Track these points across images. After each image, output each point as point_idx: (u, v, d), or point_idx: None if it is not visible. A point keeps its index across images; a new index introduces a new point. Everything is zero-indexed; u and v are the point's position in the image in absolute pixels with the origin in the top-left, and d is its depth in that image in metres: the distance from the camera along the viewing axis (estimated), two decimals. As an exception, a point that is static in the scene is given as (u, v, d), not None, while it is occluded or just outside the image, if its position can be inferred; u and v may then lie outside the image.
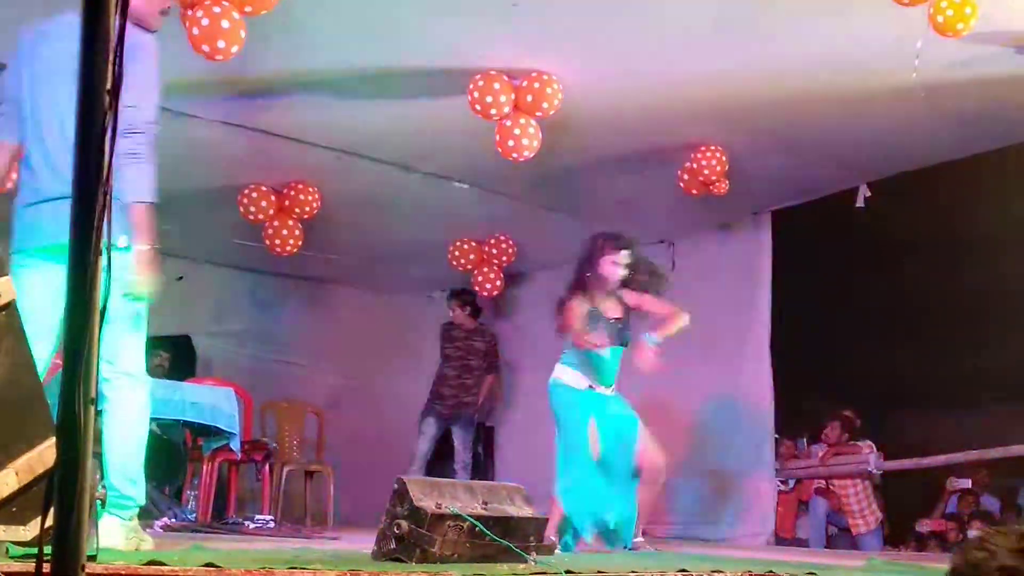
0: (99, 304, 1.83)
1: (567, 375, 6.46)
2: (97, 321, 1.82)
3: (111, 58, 1.82)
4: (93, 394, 1.81)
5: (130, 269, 3.97)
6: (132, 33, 3.93)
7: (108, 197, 1.82)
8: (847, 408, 9.32)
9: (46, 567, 1.86)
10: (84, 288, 1.82)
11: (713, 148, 7.29)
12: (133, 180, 4.00)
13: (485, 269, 9.57)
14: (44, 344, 3.80)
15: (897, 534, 9.17)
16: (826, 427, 9.46)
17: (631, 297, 6.53)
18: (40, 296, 3.79)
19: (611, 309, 6.49)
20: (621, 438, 6.39)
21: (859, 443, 9.25)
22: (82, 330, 1.80)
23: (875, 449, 9.10)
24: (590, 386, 6.43)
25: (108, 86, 1.82)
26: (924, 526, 9.00)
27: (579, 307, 6.44)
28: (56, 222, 3.73)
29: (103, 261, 1.85)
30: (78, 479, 1.79)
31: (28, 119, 4.16)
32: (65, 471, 1.80)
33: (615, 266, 6.47)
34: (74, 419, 1.79)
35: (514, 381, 10.25)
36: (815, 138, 7.28)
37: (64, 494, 1.80)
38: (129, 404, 4.15)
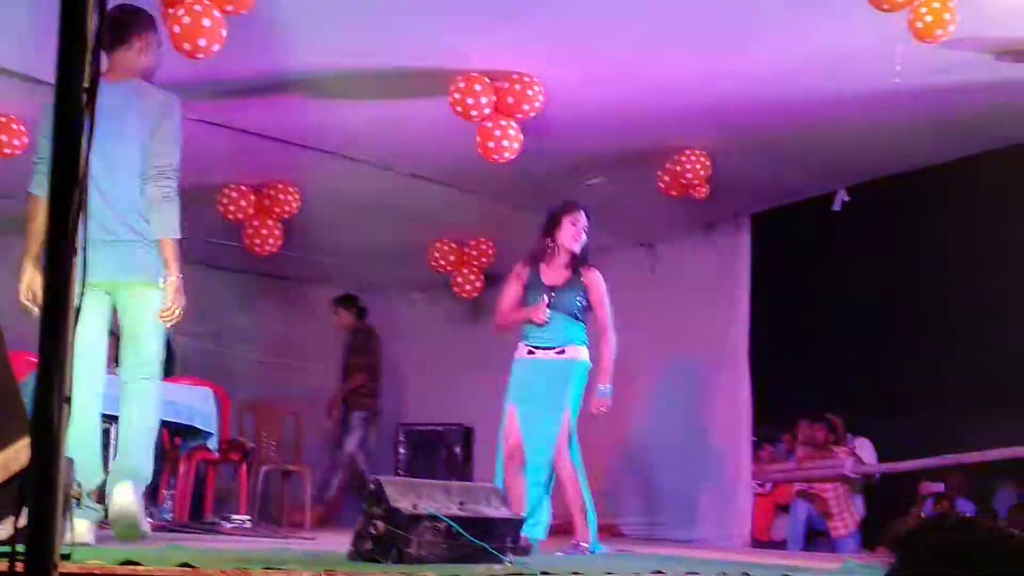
0: (74, 303, 1.83)
1: (518, 345, 6.50)
2: (72, 320, 1.82)
3: (88, 56, 1.82)
4: (68, 393, 1.81)
5: (164, 296, 4.71)
6: (165, 93, 4.77)
7: (84, 196, 1.82)
8: (828, 412, 9.37)
9: (19, 566, 1.86)
10: (60, 287, 1.82)
11: (697, 152, 7.31)
12: (166, 218, 4.73)
13: (464, 270, 9.57)
14: (96, 373, 4.73)
15: (874, 537, 9.20)
16: (806, 430, 9.49)
17: (591, 276, 6.50)
18: (92, 326, 4.64)
19: (552, 276, 6.48)
20: (539, 425, 6.31)
21: (842, 446, 9.30)
22: (57, 329, 1.80)
23: (854, 453, 9.15)
24: (530, 351, 6.39)
25: (86, 84, 1.82)
26: (902, 530, 9.02)
27: (519, 272, 6.57)
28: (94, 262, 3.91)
29: (78, 261, 1.85)
30: (52, 477, 1.79)
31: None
32: (39, 470, 1.80)
33: (574, 226, 6.47)
34: (49, 418, 1.79)
35: (494, 383, 10.21)
36: (795, 142, 7.31)
37: (38, 493, 1.79)
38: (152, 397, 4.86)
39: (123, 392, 4.79)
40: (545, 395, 6.29)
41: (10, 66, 6.15)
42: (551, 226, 6.53)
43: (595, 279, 6.50)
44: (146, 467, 4.77)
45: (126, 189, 4.70)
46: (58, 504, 1.79)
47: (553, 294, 6.40)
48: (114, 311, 4.81)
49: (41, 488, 1.80)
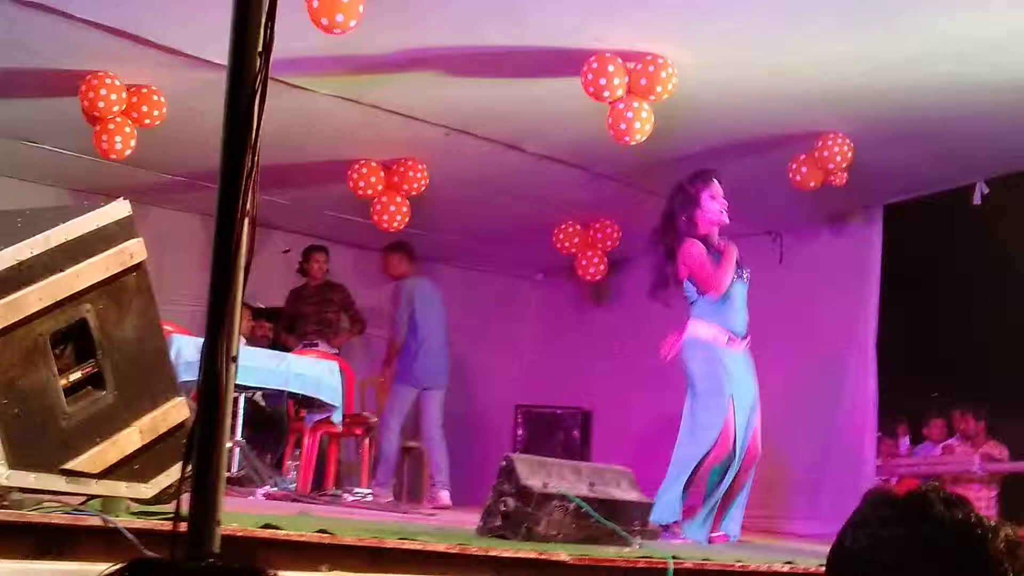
0: (243, 265, 1.85)
1: (703, 329, 6.10)
2: (240, 281, 1.84)
3: (264, 20, 1.83)
4: (235, 352, 1.83)
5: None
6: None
7: (256, 160, 1.84)
8: (956, 408, 9.18)
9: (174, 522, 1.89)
10: (229, 249, 1.84)
11: (842, 136, 7.14)
12: None
13: (589, 253, 9.51)
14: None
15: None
16: (959, 420, 9.29)
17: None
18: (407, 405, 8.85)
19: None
20: (749, 419, 6.06)
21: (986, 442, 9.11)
22: (226, 290, 1.82)
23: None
24: (729, 340, 6.06)
25: (260, 49, 1.83)
26: (1031, 531, 8.81)
27: (699, 248, 6.11)
28: (425, 372, 8.77)
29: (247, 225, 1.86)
30: (218, 435, 1.82)
31: (417, 327, 8.78)
32: (205, 426, 1.82)
33: (714, 200, 6.19)
34: (216, 376, 1.81)
35: (613, 367, 10.18)
36: (932, 130, 7.12)
37: (202, 449, 1.82)
38: None
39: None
40: (749, 377, 6.14)
41: (152, 37, 6.27)
42: (690, 202, 6.20)
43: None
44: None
45: (442, 337, 8.83)
46: (222, 460, 1.82)
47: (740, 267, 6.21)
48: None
49: (205, 444, 1.83)
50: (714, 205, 6.21)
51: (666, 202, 6.42)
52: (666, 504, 5.79)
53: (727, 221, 6.27)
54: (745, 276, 6.26)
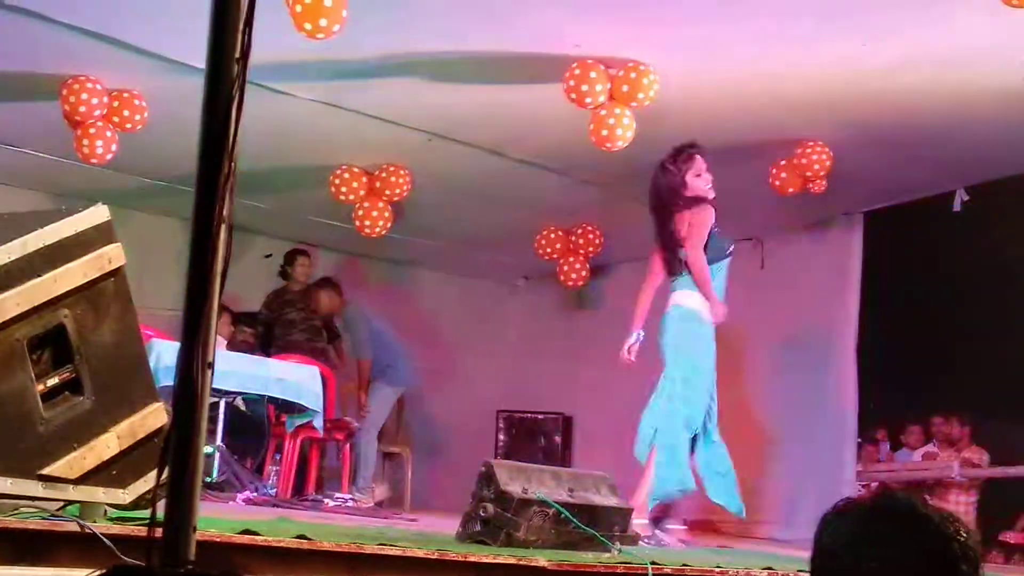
0: (219, 271, 1.85)
1: (693, 300, 6.01)
2: (217, 287, 1.84)
3: (241, 26, 1.83)
4: (211, 358, 1.83)
5: None
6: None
7: (233, 166, 1.83)
8: (935, 414, 9.22)
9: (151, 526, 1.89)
10: (205, 255, 1.84)
11: (820, 144, 7.19)
12: None
13: (571, 259, 9.52)
14: None
15: (986, 545, 9.01)
16: (941, 426, 9.33)
17: None
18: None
19: None
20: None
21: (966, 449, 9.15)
22: (203, 295, 1.82)
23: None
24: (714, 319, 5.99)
25: (237, 54, 1.83)
26: (1009, 537, 8.84)
27: (710, 219, 6.03)
28: (405, 372, 8.98)
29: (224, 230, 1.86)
30: (193, 440, 1.81)
31: (380, 340, 8.83)
32: (180, 433, 1.82)
33: (700, 177, 6.15)
34: (191, 382, 1.81)
35: (595, 373, 10.19)
36: (913, 138, 7.16)
37: (178, 455, 1.82)
38: None
39: None
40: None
41: (134, 42, 6.26)
42: (681, 183, 6.12)
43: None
44: None
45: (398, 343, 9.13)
46: (198, 466, 1.82)
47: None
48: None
49: (181, 450, 1.82)
50: (699, 182, 6.18)
51: (652, 182, 6.32)
52: (681, 474, 5.88)
53: (713, 195, 6.23)
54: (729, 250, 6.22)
